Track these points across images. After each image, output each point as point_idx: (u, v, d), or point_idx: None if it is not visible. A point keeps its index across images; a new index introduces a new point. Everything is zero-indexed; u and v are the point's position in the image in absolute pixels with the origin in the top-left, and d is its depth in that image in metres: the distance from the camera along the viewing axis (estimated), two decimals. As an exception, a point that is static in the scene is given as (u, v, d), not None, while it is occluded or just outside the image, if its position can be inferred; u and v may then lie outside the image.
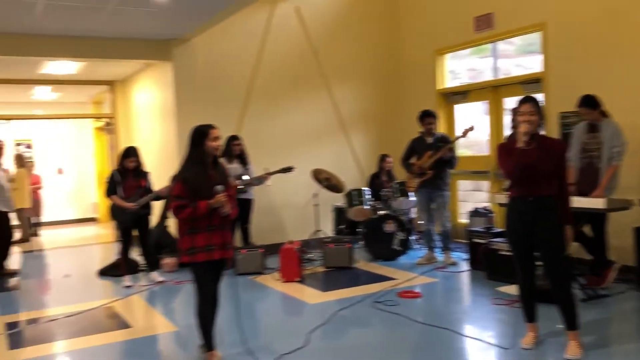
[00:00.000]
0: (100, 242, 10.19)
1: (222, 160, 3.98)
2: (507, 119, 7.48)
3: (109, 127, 10.36)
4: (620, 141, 5.11)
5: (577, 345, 3.73)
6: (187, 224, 3.66)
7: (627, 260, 5.63)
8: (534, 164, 3.72)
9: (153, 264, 6.54)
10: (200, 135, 3.68)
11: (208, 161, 3.69)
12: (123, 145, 9.22)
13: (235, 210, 3.76)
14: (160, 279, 6.39)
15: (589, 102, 5.19)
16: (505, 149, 3.90)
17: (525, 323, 4.00)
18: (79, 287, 6.58)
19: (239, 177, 6.68)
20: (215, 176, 3.68)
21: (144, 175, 6.35)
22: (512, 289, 5.30)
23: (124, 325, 4.88)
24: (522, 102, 3.85)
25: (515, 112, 3.93)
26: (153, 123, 8.50)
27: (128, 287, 6.20)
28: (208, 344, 3.73)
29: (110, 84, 9.87)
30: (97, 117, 11.73)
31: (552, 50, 6.52)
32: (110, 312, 5.31)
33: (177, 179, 3.73)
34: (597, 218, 5.24)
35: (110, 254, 8.63)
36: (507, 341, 4.03)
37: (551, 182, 3.79)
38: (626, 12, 5.66)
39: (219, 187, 3.59)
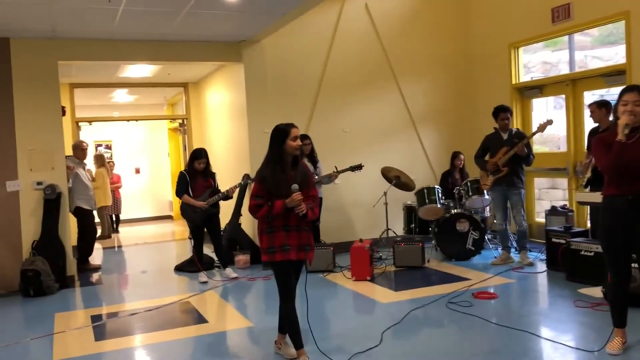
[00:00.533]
0: (176, 239, 10.55)
1: (305, 161, 3.97)
2: (586, 114, 7.14)
3: (182, 128, 10.70)
4: None
5: (669, 352, 3.51)
6: (265, 223, 3.68)
7: None
8: (635, 159, 3.48)
9: (226, 261, 6.70)
10: (280, 135, 3.68)
11: (287, 161, 3.69)
12: (196, 146, 9.54)
13: (316, 211, 3.74)
14: (234, 275, 6.54)
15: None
16: (603, 142, 3.64)
17: (613, 328, 3.79)
18: (157, 282, 6.83)
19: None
20: (294, 176, 3.66)
21: (211, 175, 6.55)
22: (595, 291, 5.06)
23: (200, 320, 5.02)
24: (626, 90, 3.58)
25: (617, 101, 3.62)
26: (225, 123, 8.70)
27: (203, 282, 6.38)
28: (295, 341, 3.72)
29: (184, 85, 10.19)
30: (172, 119, 12.14)
31: (636, 40, 6.17)
32: (186, 307, 5.48)
33: (256, 178, 3.76)
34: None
35: (185, 250, 8.93)
36: (590, 345, 3.84)
37: None
38: None
39: (295, 187, 3.58)
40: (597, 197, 5.19)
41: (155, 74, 9.05)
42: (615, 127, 3.59)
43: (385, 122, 8.31)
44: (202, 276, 6.46)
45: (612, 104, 5.85)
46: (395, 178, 7.23)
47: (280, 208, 3.59)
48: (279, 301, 3.75)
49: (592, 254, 5.38)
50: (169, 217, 13.55)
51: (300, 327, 3.71)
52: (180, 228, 11.84)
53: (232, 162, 8.30)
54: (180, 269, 7.20)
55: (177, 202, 13.19)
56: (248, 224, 7.63)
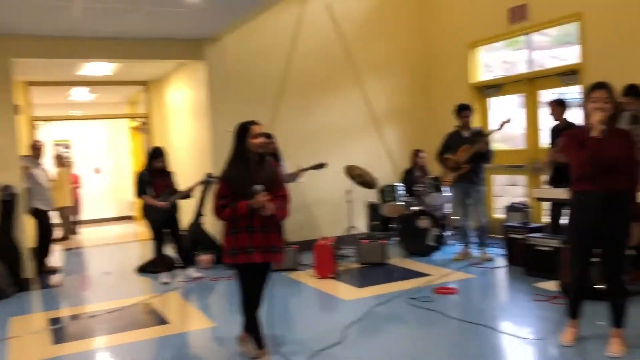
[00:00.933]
0: (138, 239, 10.39)
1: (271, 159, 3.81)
2: (543, 112, 7.33)
3: (144, 127, 10.55)
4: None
5: (620, 343, 3.63)
6: (229, 224, 3.59)
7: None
8: (609, 156, 3.51)
9: (189, 261, 6.64)
10: (241, 132, 3.59)
11: (252, 159, 3.59)
12: (158, 144, 9.41)
13: (284, 211, 3.66)
14: (197, 275, 6.49)
15: (634, 92, 5.05)
16: (574, 139, 3.66)
17: (568, 319, 3.90)
18: (118, 283, 6.72)
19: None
20: (260, 176, 3.57)
21: (169, 174, 6.48)
22: (551, 285, 5.21)
23: (162, 321, 4.97)
24: (594, 88, 3.61)
25: (585, 99, 3.65)
26: (187, 122, 8.61)
27: (165, 283, 6.31)
28: (256, 342, 3.70)
29: (144, 84, 10.04)
30: (133, 117, 11.95)
31: (589, 40, 6.36)
32: (148, 309, 5.41)
33: (220, 177, 3.69)
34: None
35: (147, 251, 8.79)
36: (547, 338, 3.95)
37: (622, 175, 3.58)
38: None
39: (258, 187, 3.49)
40: (556, 193, 5.37)
41: (116, 72, 8.89)
42: (586, 124, 3.62)
43: (347, 121, 8.36)
44: (164, 277, 6.39)
45: (567, 103, 6.05)
46: (358, 176, 7.28)
47: (244, 209, 3.50)
48: (241, 307, 3.71)
49: (549, 248, 5.53)
50: (131, 218, 13.32)
51: (262, 327, 3.70)
52: (142, 228, 11.66)
53: (194, 161, 8.22)
54: (142, 270, 7.10)
55: (139, 203, 13.02)
56: (211, 223, 7.57)
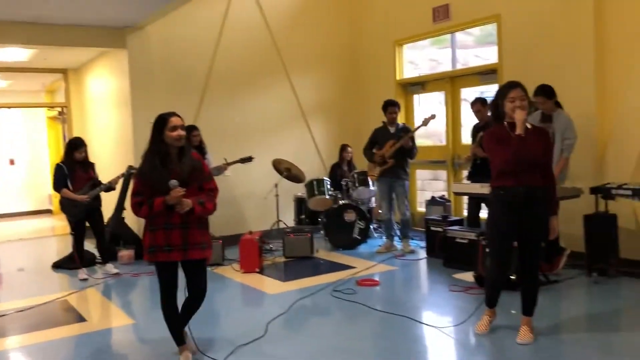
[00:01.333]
0: (56, 234, 9.95)
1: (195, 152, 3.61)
2: (464, 109, 7.60)
3: (62, 117, 10.08)
4: (571, 134, 5.26)
5: (529, 330, 3.83)
6: (149, 221, 3.46)
7: (577, 247, 5.82)
8: (531, 153, 3.64)
9: (108, 256, 6.42)
10: (158, 124, 3.41)
11: (171, 153, 3.43)
12: (77, 135, 9.03)
13: (209, 205, 3.49)
14: (116, 271, 6.29)
15: (546, 91, 5.31)
16: (495, 137, 3.76)
17: (485, 308, 4.07)
18: (33, 280, 6.40)
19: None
20: (179, 170, 3.41)
21: (91, 166, 6.23)
22: (467, 276, 5.43)
23: (79, 318, 4.78)
24: (510, 87, 3.73)
25: (502, 98, 3.75)
26: (108, 112, 8.31)
27: (84, 280, 6.08)
28: (175, 339, 3.61)
29: (63, 72, 9.59)
30: (50, 106, 11.39)
31: (506, 41, 6.65)
32: (65, 306, 5.19)
33: (135, 173, 3.52)
34: (549, 206, 5.39)
35: (65, 246, 8.43)
36: (462, 327, 4.12)
37: (540, 171, 3.73)
38: (578, 4, 5.80)
39: (174, 182, 3.33)
40: (473, 187, 5.59)
41: (32, 59, 8.44)
42: (502, 123, 3.75)
43: (276, 114, 8.34)
44: (82, 273, 6.15)
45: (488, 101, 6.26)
46: (286, 170, 7.30)
47: (160, 206, 3.35)
48: (161, 304, 3.60)
49: (466, 241, 5.76)
50: (48, 212, 12.73)
51: (182, 323, 3.64)
52: (61, 223, 11.16)
53: (115, 153, 7.95)
54: (58, 265, 6.80)
55: (56, 196, 12.46)
56: (132, 218, 7.34)
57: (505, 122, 3.75)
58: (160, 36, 7.37)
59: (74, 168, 6.07)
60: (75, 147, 6.08)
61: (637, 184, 4.98)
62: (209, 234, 3.66)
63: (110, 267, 6.32)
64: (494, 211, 3.89)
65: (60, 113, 10.24)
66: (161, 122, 3.42)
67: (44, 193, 12.83)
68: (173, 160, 3.44)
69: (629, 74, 5.52)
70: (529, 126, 3.69)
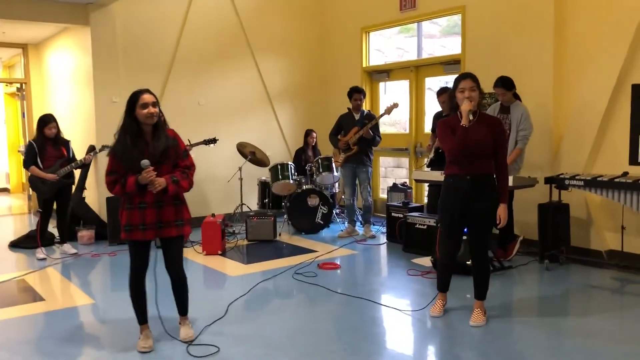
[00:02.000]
0: (13, 213, 9.73)
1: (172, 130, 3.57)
2: (428, 98, 7.73)
3: (21, 93, 9.81)
4: (526, 125, 5.43)
5: (482, 313, 3.98)
6: (125, 200, 3.45)
7: (531, 235, 6.04)
8: (476, 142, 3.75)
9: (65, 236, 6.34)
10: (130, 102, 3.38)
11: (144, 130, 3.40)
12: (36, 112, 8.83)
13: (184, 183, 3.46)
14: (74, 251, 6.23)
15: (505, 83, 5.46)
16: (447, 126, 3.87)
17: (437, 291, 4.21)
18: (-12, 260, 6.29)
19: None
20: (153, 148, 3.39)
21: (64, 143, 6.14)
22: (425, 261, 5.58)
23: (37, 298, 4.74)
24: (461, 77, 3.82)
25: (454, 89, 3.88)
26: (69, 90, 8.14)
27: (42, 259, 6.00)
28: (138, 318, 3.63)
29: (23, 47, 9.32)
30: (8, 82, 11.06)
31: (470, 32, 6.78)
32: (21, 285, 5.13)
33: (109, 151, 3.49)
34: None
35: (23, 225, 8.30)
36: (418, 309, 4.25)
37: (489, 161, 3.84)
38: None
39: (145, 162, 3.31)
40: (433, 175, 5.72)
41: (-11, 32, 8.19)
42: (456, 113, 3.86)
43: (242, 97, 8.31)
44: (40, 252, 6.07)
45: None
46: (250, 154, 7.31)
47: (132, 186, 3.34)
48: (129, 281, 3.61)
49: (424, 227, 5.91)
50: (5, 190, 12.42)
51: (146, 303, 3.65)
52: (18, 202, 10.93)
53: (77, 132, 7.81)
54: (15, 245, 6.69)
55: (15, 174, 12.16)
56: (93, 198, 7.28)
57: (458, 112, 3.85)
58: (125, 14, 7.24)
59: (44, 145, 5.97)
60: (44, 123, 5.98)
61: (589, 175, 5.19)
62: (186, 210, 3.63)
63: (69, 247, 6.26)
64: (443, 198, 4.01)
65: (19, 89, 9.96)
66: (132, 100, 3.39)
67: (1, 171, 12.51)
68: (147, 138, 3.42)
69: (584, 69, 5.71)
70: (471, 117, 3.75)
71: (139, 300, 3.62)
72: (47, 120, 5.99)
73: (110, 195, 6.77)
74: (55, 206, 6.20)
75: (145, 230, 3.43)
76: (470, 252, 4.07)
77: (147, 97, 3.38)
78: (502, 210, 3.92)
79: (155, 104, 3.42)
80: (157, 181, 3.36)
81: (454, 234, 4.03)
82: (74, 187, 6.44)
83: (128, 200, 3.44)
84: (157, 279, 3.79)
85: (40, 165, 5.93)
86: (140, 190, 3.38)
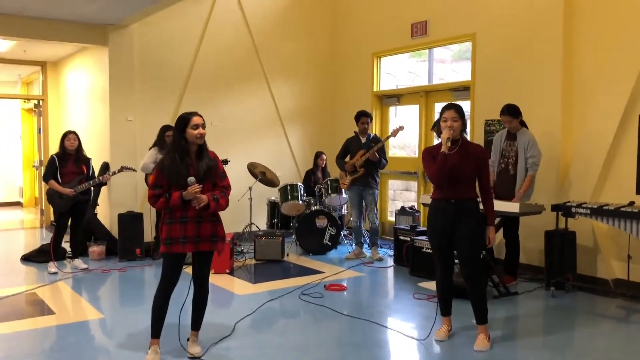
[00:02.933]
0: (25, 227, 9.87)
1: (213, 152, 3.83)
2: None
3: (38, 109, 10.02)
4: (534, 152, 5.49)
5: (486, 338, 4.01)
6: (167, 214, 3.64)
7: (537, 262, 6.06)
8: (455, 168, 3.92)
9: (77, 251, 6.44)
10: (180, 122, 3.62)
11: (190, 150, 3.63)
12: (52, 129, 9.03)
13: (222, 202, 3.66)
14: (85, 266, 6.32)
15: (512, 111, 5.54)
16: (429, 154, 4.09)
17: (441, 317, 4.26)
18: (2, 272, 6.38)
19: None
20: (197, 167, 3.61)
21: (85, 161, 6.30)
22: (432, 285, 5.61)
23: (48, 311, 4.82)
24: (446, 108, 4.03)
25: (439, 118, 4.09)
26: (85, 108, 8.31)
27: (53, 273, 6.10)
28: (153, 330, 3.72)
29: (41, 64, 9.55)
30: (27, 98, 11.30)
31: (480, 60, 6.88)
32: (34, 299, 5.21)
33: (156, 166, 3.71)
34: (510, 221, 5.62)
35: (34, 239, 8.42)
36: (423, 333, 4.28)
37: (471, 185, 4.01)
38: (548, 27, 6.05)
39: (191, 179, 3.53)
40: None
41: (10, 50, 8.41)
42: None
43: (254, 118, 8.45)
44: (52, 266, 6.17)
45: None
46: (260, 174, 7.40)
47: (177, 200, 3.55)
48: (156, 292, 3.70)
49: (430, 250, 5.93)
50: (18, 204, 12.59)
51: (165, 319, 3.72)
52: (31, 216, 11.09)
53: (92, 149, 7.94)
54: (27, 258, 6.79)
55: (28, 188, 12.34)
56: (105, 214, 7.39)
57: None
58: (143, 35, 7.43)
59: (65, 160, 6.13)
60: (64, 136, 6.18)
61: (596, 204, 5.22)
62: (221, 228, 3.82)
63: (80, 262, 6.35)
64: (431, 221, 4.13)
65: (36, 106, 10.17)
66: (184, 121, 3.62)
67: (15, 185, 12.70)
68: (192, 157, 3.65)
69: (593, 99, 5.77)
70: (449, 144, 3.91)
71: (161, 313, 3.72)
72: (65, 133, 6.21)
73: (122, 212, 6.94)
74: (70, 221, 6.32)
75: (185, 243, 3.61)
76: (462, 275, 4.14)
77: (198, 119, 3.64)
78: (490, 232, 4.09)
79: (204, 125, 3.67)
80: (201, 197, 3.56)
81: (444, 256, 4.14)
82: (89, 204, 6.56)
83: (170, 215, 3.63)
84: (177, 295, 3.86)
85: (59, 180, 6.07)
86: (184, 205, 3.58)
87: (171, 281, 3.69)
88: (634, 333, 4.41)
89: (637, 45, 5.36)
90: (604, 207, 5.05)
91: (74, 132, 6.25)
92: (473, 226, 3.99)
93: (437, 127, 6.32)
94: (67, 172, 6.12)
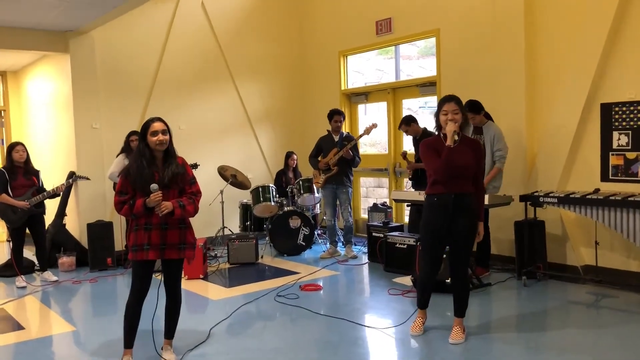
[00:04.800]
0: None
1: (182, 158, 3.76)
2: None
3: (0, 120, 9.78)
4: (501, 145, 5.56)
5: (461, 330, 4.05)
6: (132, 222, 3.60)
7: (508, 252, 6.15)
8: (460, 163, 3.87)
9: (45, 263, 6.30)
10: (142, 129, 3.59)
11: (155, 156, 3.58)
12: (16, 139, 8.79)
13: (189, 208, 3.60)
14: (55, 278, 6.20)
15: (473, 107, 5.60)
16: (430, 147, 3.98)
17: (417, 309, 4.27)
18: (-33, 289, 6.21)
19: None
20: (162, 173, 3.56)
21: (34, 173, 6.15)
22: (406, 280, 5.65)
23: (17, 326, 4.70)
24: (445, 100, 3.94)
25: (438, 111, 3.99)
26: (49, 116, 8.14)
27: (22, 287, 5.96)
28: (125, 340, 3.66)
29: (2, 74, 9.32)
30: (-13, 109, 11.00)
31: (444, 55, 6.95)
32: (2, 314, 5.08)
33: (121, 172, 3.66)
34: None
35: (1, 253, 8.20)
36: (399, 329, 4.30)
37: (470, 180, 3.96)
38: (510, 21, 6.15)
39: (154, 186, 3.48)
40: (412, 195, 5.82)
41: (-33, 60, 8.19)
42: (439, 134, 3.99)
43: (222, 121, 8.38)
44: (20, 280, 6.02)
45: (414, 116, 6.55)
46: (231, 177, 7.35)
47: (140, 207, 3.49)
48: (127, 301, 3.65)
49: (404, 246, 5.98)
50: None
51: (138, 327, 3.67)
52: (-3, 229, 10.79)
53: (57, 159, 7.80)
54: (-5, 273, 6.62)
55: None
56: (74, 224, 7.25)
57: (442, 134, 3.97)
58: (105, 40, 7.31)
59: (15, 173, 5.97)
60: (11, 147, 6.02)
61: (563, 192, 5.32)
62: (190, 234, 3.75)
63: (49, 275, 6.22)
64: (427, 217, 4.08)
65: (-2, 116, 9.92)
66: (144, 127, 3.58)
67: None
68: (158, 163, 3.61)
69: (555, 90, 5.88)
70: (456, 138, 3.89)
71: (133, 322, 3.66)
72: (12, 145, 6.06)
73: (91, 221, 6.82)
74: (31, 235, 6.17)
75: (149, 250, 3.55)
76: (450, 270, 4.14)
77: (157, 125, 3.57)
78: (480, 227, 4.10)
79: (165, 131, 3.60)
80: (163, 204, 3.51)
81: (436, 252, 4.11)
82: (45, 217, 6.39)
83: (136, 222, 3.59)
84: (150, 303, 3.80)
85: (10, 194, 5.92)
86: (147, 212, 3.53)
87: (141, 289, 3.64)
88: (604, 318, 4.51)
89: (597, 38, 5.48)
90: (571, 196, 5.15)
91: (22, 144, 6.10)
92: (470, 221, 3.97)
93: (403, 127, 6.44)
94: (18, 185, 5.98)
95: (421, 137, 6.12)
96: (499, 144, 5.54)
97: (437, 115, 4.02)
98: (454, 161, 3.84)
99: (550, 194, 5.30)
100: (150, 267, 3.65)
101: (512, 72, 6.15)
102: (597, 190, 5.17)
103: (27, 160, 6.08)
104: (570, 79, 5.73)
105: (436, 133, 4.10)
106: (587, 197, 5.03)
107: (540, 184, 5.94)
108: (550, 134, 5.92)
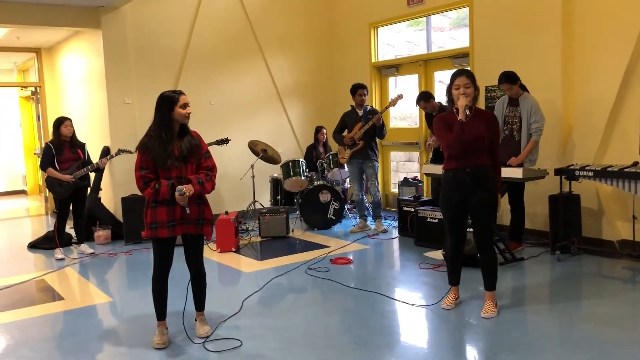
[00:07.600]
0: (31, 214, 9.91)
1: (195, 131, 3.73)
2: (437, 92, 7.75)
3: (35, 97, 9.98)
4: (538, 117, 5.43)
5: (493, 305, 4.03)
6: (150, 199, 3.56)
7: (542, 226, 6.05)
8: (472, 136, 3.84)
9: (83, 236, 6.46)
10: (167, 102, 3.52)
11: (175, 130, 3.56)
12: (51, 115, 8.98)
13: (207, 185, 3.61)
14: (91, 250, 6.36)
15: (509, 78, 5.47)
16: (444, 122, 3.97)
17: (449, 285, 4.27)
18: (8, 260, 6.42)
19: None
20: (180, 147, 3.54)
21: (80, 146, 6.27)
22: (437, 254, 5.62)
23: (57, 297, 4.86)
24: (457, 74, 3.90)
25: (450, 85, 3.95)
26: (82, 92, 8.27)
27: (60, 259, 6.13)
28: (157, 312, 3.72)
29: (36, 51, 9.47)
30: (23, 86, 11.25)
31: (478, 25, 6.79)
32: (42, 285, 5.25)
33: (139, 147, 3.59)
34: (515, 187, 5.59)
35: (40, 226, 8.46)
36: (429, 302, 4.30)
37: (486, 153, 3.93)
38: (546, -9, 5.95)
39: (180, 188, 3.44)
40: (437, 169, 5.75)
41: (3, 38, 8.33)
42: (452, 108, 3.97)
43: (252, 96, 8.39)
44: (59, 253, 6.20)
45: (430, 92, 6.52)
46: (262, 151, 7.38)
47: (166, 195, 3.48)
48: (152, 279, 3.69)
49: (436, 220, 5.94)
50: (22, 192, 12.63)
51: (167, 300, 3.74)
52: (35, 203, 11.12)
53: (91, 133, 7.94)
54: (34, 245, 6.83)
55: (32, 176, 12.36)
56: (109, 198, 7.40)
57: (454, 108, 3.93)
58: (136, 16, 7.35)
59: (61, 148, 6.10)
60: (60, 122, 6.14)
61: (599, 166, 5.19)
62: (208, 210, 3.75)
63: (86, 247, 6.38)
64: (445, 191, 4.07)
65: (34, 93, 10.12)
66: (171, 99, 3.54)
67: (18, 174, 12.72)
68: (174, 137, 3.57)
69: (593, 61, 5.70)
70: (468, 112, 3.84)
71: (161, 297, 3.72)
72: (61, 120, 6.13)
73: (125, 195, 6.94)
74: (71, 207, 6.33)
75: (175, 226, 3.56)
76: (476, 243, 4.11)
77: (186, 98, 3.59)
78: (498, 200, 4.06)
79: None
80: (186, 187, 3.48)
81: (458, 226, 4.09)
82: (89, 189, 6.55)
83: (154, 198, 3.55)
84: (178, 276, 3.86)
85: (57, 167, 6.06)
86: (172, 197, 3.50)
87: (163, 265, 3.66)
88: (641, 293, 4.42)
89: (637, 6, 5.26)
90: (608, 169, 5.02)
91: (69, 119, 6.21)
92: (488, 193, 3.94)
93: (422, 103, 6.38)
94: (65, 159, 6.11)
95: (438, 113, 6.03)
96: (536, 115, 5.41)
97: (449, 89, 3.98)
98: (466, 135, 3.82)
99: (587, 167, 5.17)
100: (171, 243, 3.64)
101: (548, 43, 5.97)
102: (635, 164, 5.02)
103: (73, 134, 6.21)
104: (608, 50, 5.54)
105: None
106: (625, 170, 4.89)
107: (576, 157, 5.80)
108: (587, 106, 5.75)
